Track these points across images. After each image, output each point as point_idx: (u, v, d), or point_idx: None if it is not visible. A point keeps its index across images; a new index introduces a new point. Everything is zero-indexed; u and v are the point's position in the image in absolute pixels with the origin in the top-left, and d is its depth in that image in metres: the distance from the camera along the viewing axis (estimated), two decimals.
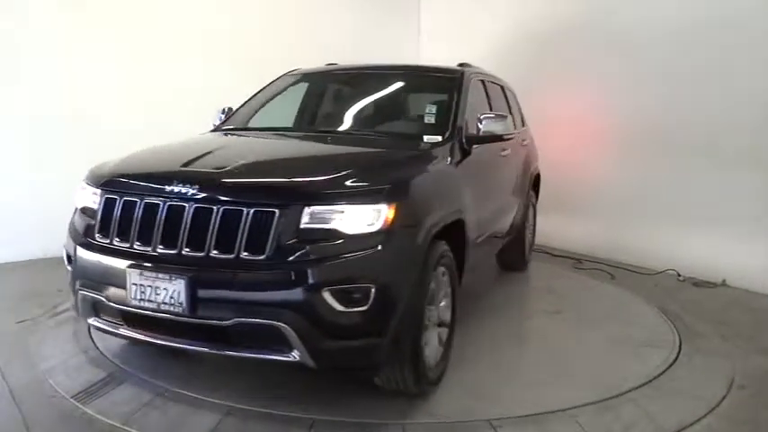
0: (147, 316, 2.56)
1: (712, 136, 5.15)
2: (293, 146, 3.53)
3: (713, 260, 5.21)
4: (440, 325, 3.07)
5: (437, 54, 6.79)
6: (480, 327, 3.97)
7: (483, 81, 4.34)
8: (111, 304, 2.66)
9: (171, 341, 2.63)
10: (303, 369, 2.55)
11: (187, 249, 2.50)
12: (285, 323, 2.39)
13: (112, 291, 2.64)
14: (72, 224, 3.00)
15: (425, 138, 3.39)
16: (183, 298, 2.43)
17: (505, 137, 3.61)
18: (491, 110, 4.19)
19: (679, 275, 5.35)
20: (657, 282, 5.25)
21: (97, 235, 2.74)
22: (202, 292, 2.45)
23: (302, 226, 2.43)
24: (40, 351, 3.42)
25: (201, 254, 2.47)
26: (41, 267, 4.93)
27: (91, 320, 2.85)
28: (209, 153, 3.00)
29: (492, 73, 4.93)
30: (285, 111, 4.35)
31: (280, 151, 3.36)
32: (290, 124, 4.21)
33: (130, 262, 2.56)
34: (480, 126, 3.51)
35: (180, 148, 3.22)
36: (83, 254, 2.77)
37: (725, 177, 5.11)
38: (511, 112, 4.94)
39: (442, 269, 2.99)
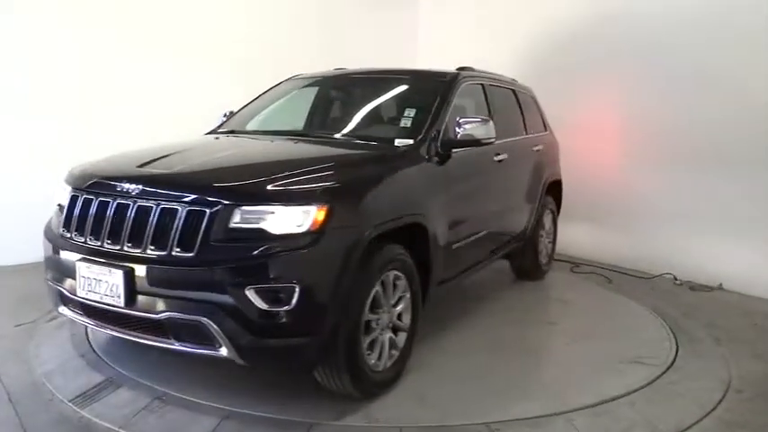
0: (94, 306, 2.72)
1: (712, 141, 5.18)
2: (258, 148, 3.54)
3: (710, 264, 5.24)
4: (395, 329, 3.08)
5: (442, 58, 6.74)
6: (470, 334, 3.94)
7: (483, 85, 4.32)
8: (69, 295, 2.84)
9: (118, 331, 2.78)
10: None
11: (129, 245, 2.63)
12: (210, 320, 2.47)
13: (69, 282, 2.83)
14: (49, 220, 3.18)
15: (397, 141, 3.40)
16: (120, 291, 2.58)
17: (484, 141, 3.53)
18: (490, 115, 4.19)
19: (676, 279, 5.37)
20: (654, 286, 5.27)
21: (62, 230, 2.92)
22: (137, 286, 2.58)
23: (231, 225, 2.51)
24: (38, 354, 3.42)
25: (140, 250, 2.60)
26: (39, 271, 4.90)
27: (60, 309, 3.02)
28: (171, 155, 3.11)
29: (508, 77, 4.94)
30: (281, 115, 4.38)
31: (240, 153, 3.37)
32: (281, 128, 4.23)
33: (81, 255, 2.74)
34: (458, 130, 3.49)
35: (150, 149, 3.26)
36: (50, 247, 2.97)
37: (721, 182, 5.14)
38: (523, 118, 4.89)
39: (393, 273, 2.99)
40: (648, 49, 5.56)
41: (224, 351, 2.52)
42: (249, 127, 4.15)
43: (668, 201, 5.53)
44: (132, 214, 2.65)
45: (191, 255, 2.50)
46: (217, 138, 3.84)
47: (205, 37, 6.06)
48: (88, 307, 2.77)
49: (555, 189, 5.48)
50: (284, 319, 2.50)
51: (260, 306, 2.46)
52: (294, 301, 2.47)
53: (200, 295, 2.51)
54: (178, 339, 2.60)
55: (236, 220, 2.51)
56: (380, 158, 3.26)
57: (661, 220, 5.59)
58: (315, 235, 2.53)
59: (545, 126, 5.42)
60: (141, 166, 2.93)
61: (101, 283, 2.65)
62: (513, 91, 4.92)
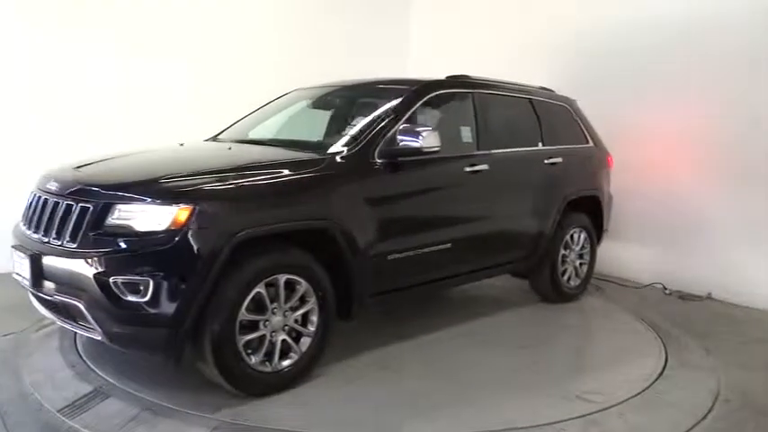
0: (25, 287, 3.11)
1: (703, 150, 5.22)
2: (187, 154, 3.76)
3: (699, 274, 5.27)
4: (295, 334, 3.14)
5: (444, 66, 6.58)
6: (418, 350, 3.82)
7: (472, 94, 4.24)
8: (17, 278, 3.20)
9: (45, 312, 3.14)
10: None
11: (42, 234, 3.00)
12: (84, 305, 2.78)
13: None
14: None
15: (332, 148, 3.45)
16: (28, 273, 2.96)
17: (425, 150, 3.45)
18: (476, 125, 4.15)
19: (665, 289, 5.40)
20: (644, 295, 5.31)
21: (19, 220, 3.34)
22: (38, 270, 2.94)
23: (108, 221, 2.79)
24: (27, 364, 3.39)
25: (47, 239, 2.95)
26: None
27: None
28: (109, 159, 3.48)
29: (530, 86, 4.83)
30: (271, 124, 4.45)
31: (164, 157, 3.59)
32: (261, 136, 4.27)
33: (16, 242, 3.16)
34: (399, 139, 3.49)
35: (105, 155, 3.57)
36: (13, 237, 3.31)
37: (711, 191, 5.20)
38: (540, 129, 4.70)
39: (286, 276, 3.03)
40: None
41: (98, 335, 2.81)
42: (235, 135, 4.29)
43: (656, 211, 5.56)
44: (49, 209, 3.02)
45: (75, 246, 2.81)
46: (182, 144, 4.02)
47: (209, 47, 6.13)
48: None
49: (589, 205, 5.03)
50: (142, 310, 2.72)
51: (121, 296, 2.71)
52: (149, 293, 2.69)
53: (78, 282, 2.79)
54: (73, 320, 2.94)
55: (114, 217, 2.79)
56: (291, 165, 3.26)
57: (650, 230, 5.62)
58: (174, 233, 2.71)
59: (587, 138, 5.12)
60: (76, 168, 3.29)
61: (22, 267, 3.03)
62: (530, 101, 4.73)
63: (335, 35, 7.06)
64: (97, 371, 3.28)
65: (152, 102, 5.76)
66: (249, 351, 2.96)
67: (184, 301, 2.73)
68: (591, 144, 5.17)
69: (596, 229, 5.14)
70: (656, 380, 3.46)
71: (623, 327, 4.48)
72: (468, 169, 4.01)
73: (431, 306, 4.70)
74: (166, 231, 2.72)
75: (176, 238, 2.70)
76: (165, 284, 2.70)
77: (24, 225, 3.21)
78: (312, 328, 3.18)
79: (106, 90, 5.57)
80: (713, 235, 5.20)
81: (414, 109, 3.79)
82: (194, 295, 2.74)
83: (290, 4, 6.81)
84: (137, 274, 2.70)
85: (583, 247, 5.03)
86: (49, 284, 2.94)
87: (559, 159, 4.73)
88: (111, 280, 2.70)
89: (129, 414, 2.83)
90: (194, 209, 2.74)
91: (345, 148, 3.44)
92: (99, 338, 2.84)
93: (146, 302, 2.70)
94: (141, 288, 2.70)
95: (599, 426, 2.91)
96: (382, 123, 3.61)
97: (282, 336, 3.08)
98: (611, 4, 5.88)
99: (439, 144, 3.52)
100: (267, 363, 3.03)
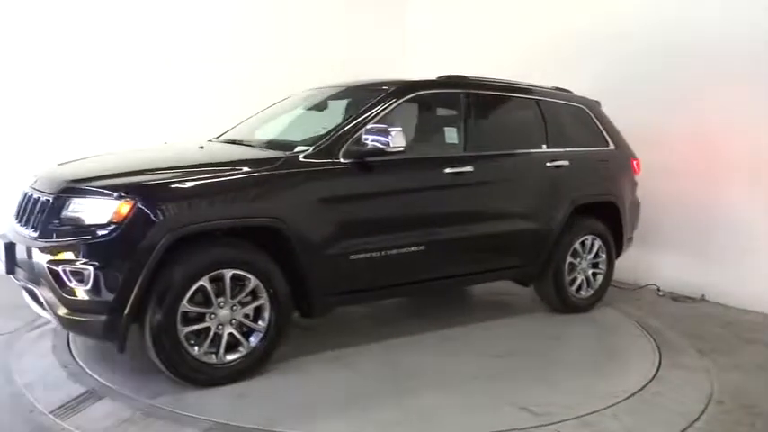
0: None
1: (702, 151, 5.24)
2: (159, 153, 3.85)
3: (693, 275, 5.30)
4: (246, 328, 3.19)
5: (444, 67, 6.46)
6: (384, 355, 3.71)
7: (462, 94, 4.13)
8: None
9: (36, 308, 3.23)
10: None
11: (20, 225, 3.21)
12: (38, 290, 3.01)
13: None
14: None
15: (298, 148, 3.48)
16: (3, 259, 3.23)
17: (388, 150, 3.42)
18: (464, 126, 4.09)
19: (659, 290, 5.43)
20: (638, 296, 5.32)
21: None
22: (11, 257, 3.20)
23: (63, 213, 2.99)
24: (19, 365, 3.38)
25: (21, 229, 3.18)
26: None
27: None
28: (91, 157, 3.73)
29: (543, 88, 4.66)
30: (266, 127, 4.47)
31: (137, 156, 3.74)
32: (252, 138, 4.30)
33: (2, 233, 3.39)
34: (365, 138, 3.48)
35: (98, 153, 3.88)
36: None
37: (706, 193, 5.22)
38: (546, 131, 4.48)
39: (232, 272, 3.09)
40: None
41: (52, 318, 3.01)
42: (235, 136, 4.32)
43: (650, 212, 5.57)
44: (27, 201, 3.24)
45: (36, 235, 3.02)
46: (166, 143, 4.21)
47: (211, 48, 6.20)
48: None
49: (605, 212, 4.76)
50: (84, 297, 2.89)
51: (68, 283, 2.89)
52: (91, 282, 2.85)
53: (34, 268, 3.02)
54: (38, 304, 3.11)
55: (68, 210, 2.98)
56: (246, 163, 3.30)
57: (644, 232, 5.63)
58: (115, 226, 2.88)
59: (607, 141, 4.87)
60: (58, 165, 3.55)
61: (1, 254, 3.27)
62: (537, 102, 4.53)
63: (338, 37, 7.07)
64: (90, 372, 3.27)
65: (158, 103, 5.84)
66: (192, 342, 3.05)
67: (122, 291, 2.87)
68: (611, 147, 4.90)
69: (615, 238, 4.84)
70: (650, 381, 3.47)
71: (616, 328, 4.50)
72: (449, 171, 3.88)
73: (427, 309, 4.70)
74: (109, 224, 2.88)
75: (117, 231, 2.86)
76: (103, 274, 2.85)
77: (14, 217, 3.38)
78: (263, 324, 3.22)
79: (113, 92, 5.65)
80: (707, 237, 5.22)
81: (387, 110, 3.74)
82: (131, 285, 2.87)
83: (289, 7, 6.80)
84: (81, 263, 2.86)
85: (597, 256, 4.74)
86: (19, 270, 3.18)
87: (566, 162, 4.49)
88: (60, 268, 2.88)
89: (121, 415, 2.82)
90: (135, 203, 2.88)
91: (311, 148, 3.46)
92: (54, 321, 3.04)
93: (87, 290, 2.86)
94: (84, 276, 2.86)
95: (593, 427, 2.92)
96: (351, 124, 3.61)
97: (230, 329, 3.13)
98: (614, 4, 5.87)
99: (403, 144, 3.48)
100: (213, 355, 3.11)
